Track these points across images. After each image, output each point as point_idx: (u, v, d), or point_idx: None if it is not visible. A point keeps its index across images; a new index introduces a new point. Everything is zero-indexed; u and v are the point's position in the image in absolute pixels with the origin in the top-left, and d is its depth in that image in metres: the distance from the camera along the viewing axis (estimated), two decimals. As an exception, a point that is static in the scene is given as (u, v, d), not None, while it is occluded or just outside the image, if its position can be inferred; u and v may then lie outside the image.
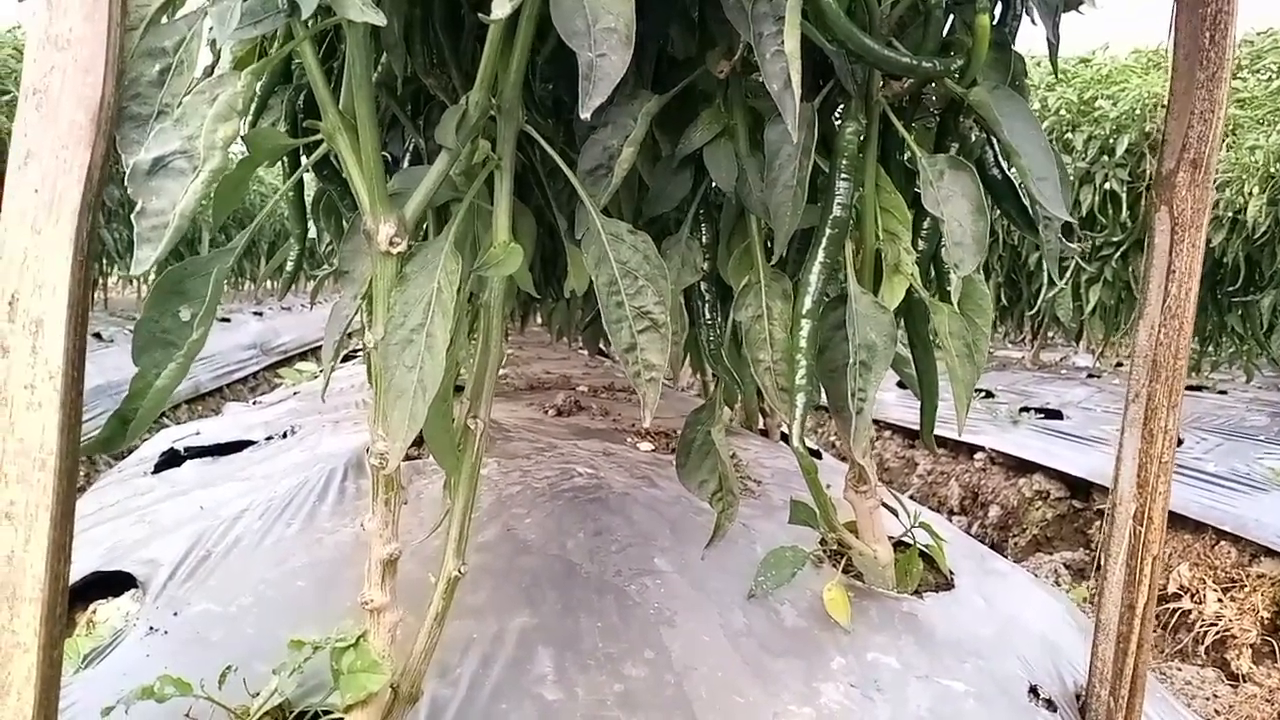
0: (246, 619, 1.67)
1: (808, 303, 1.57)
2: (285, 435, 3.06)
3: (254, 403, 4.30)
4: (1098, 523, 5.32)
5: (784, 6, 1.37)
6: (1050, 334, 9.33)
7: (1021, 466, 5.75)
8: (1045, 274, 7.42)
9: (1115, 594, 1.68)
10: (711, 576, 1.87)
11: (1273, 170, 5.76)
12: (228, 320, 10.49)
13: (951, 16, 1.72)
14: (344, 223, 2.42)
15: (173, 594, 1.78)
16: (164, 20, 1.23)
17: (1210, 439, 5.24)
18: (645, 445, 2.83)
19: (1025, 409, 6.48)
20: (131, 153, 1.20)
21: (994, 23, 1.58)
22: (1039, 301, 7.60)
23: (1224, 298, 6.86)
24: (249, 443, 3.03)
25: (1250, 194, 5.88)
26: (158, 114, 1.20)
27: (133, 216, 1.02)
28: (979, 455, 6.05)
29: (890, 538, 1.98)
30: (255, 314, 11.84)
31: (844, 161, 1.59)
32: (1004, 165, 1.80)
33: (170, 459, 2.81)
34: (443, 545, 1.47)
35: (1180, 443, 5.29)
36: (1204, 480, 4.45)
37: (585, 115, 1.16)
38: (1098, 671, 1.71)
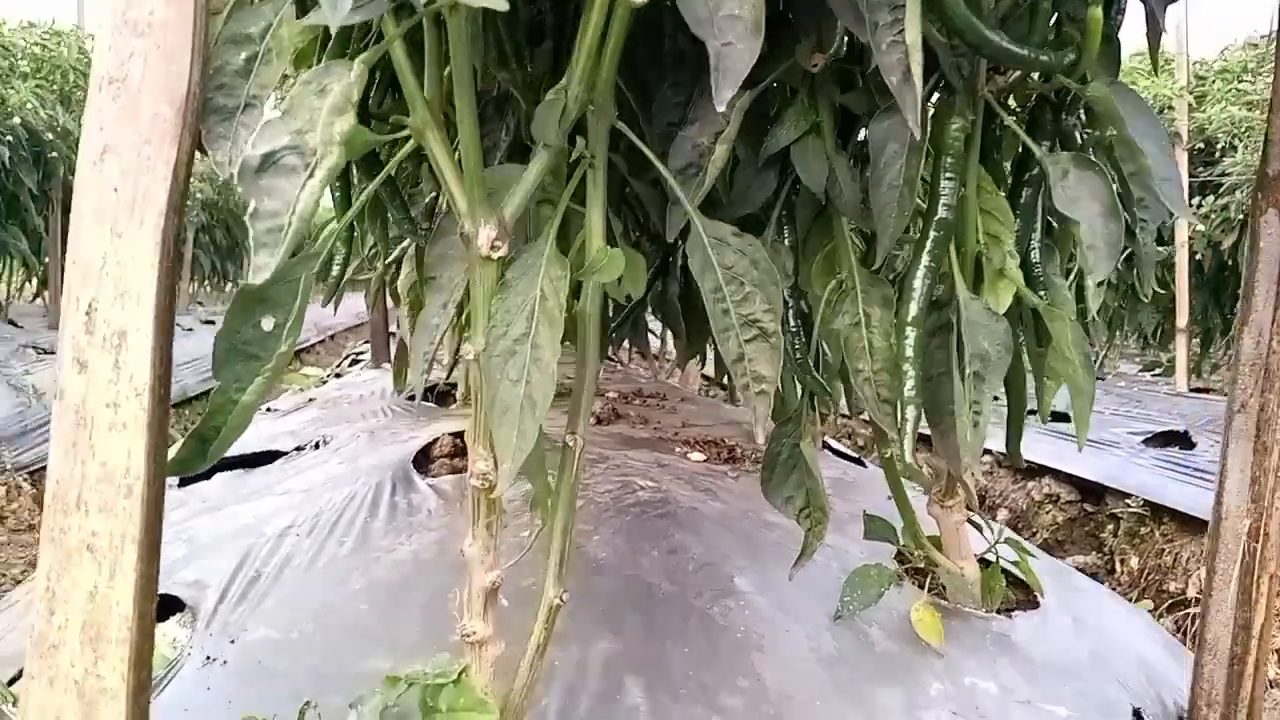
0: (310, 646, 1.57)
1: (913, 309, 1.48)
2: (317, 446, 2.94)
3: (267, 410, 4.17)
4: (1110, 526, 5.26)
5: (902, -6, 1.28)
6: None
7: (1029, 470, 5.67)
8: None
9: (1225, 613, 1.60)
10: (793, 596, 1.77)
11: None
12: (212, 322, 10.28)
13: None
14: (389, 226, 2.31)
15: (225, 619, 1.67)
16: (249, 3, 1.13)
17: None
18: (696, 455, 2.73)
19: (1030, 411, 6.41)
20: (218, 148, 1.10)
21: (1101, 14, 1.50)
22: (1041, 303, 7.55)
23: (1229, 300, 6.85)
24: (279, 453, 2.90)
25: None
26: (244, 106, 1.10)
27: (246, 218, 0.92)
28: (985, 459, 5.98)
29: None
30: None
31: (949, 159, 1.50)
32: (1102, 164, 1.73)
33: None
34: (521, 568, 1.38)
35: (1193, 446, 5.26)
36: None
37: (721, 107, 1.06)
38: (1204, 694, 1.63)
